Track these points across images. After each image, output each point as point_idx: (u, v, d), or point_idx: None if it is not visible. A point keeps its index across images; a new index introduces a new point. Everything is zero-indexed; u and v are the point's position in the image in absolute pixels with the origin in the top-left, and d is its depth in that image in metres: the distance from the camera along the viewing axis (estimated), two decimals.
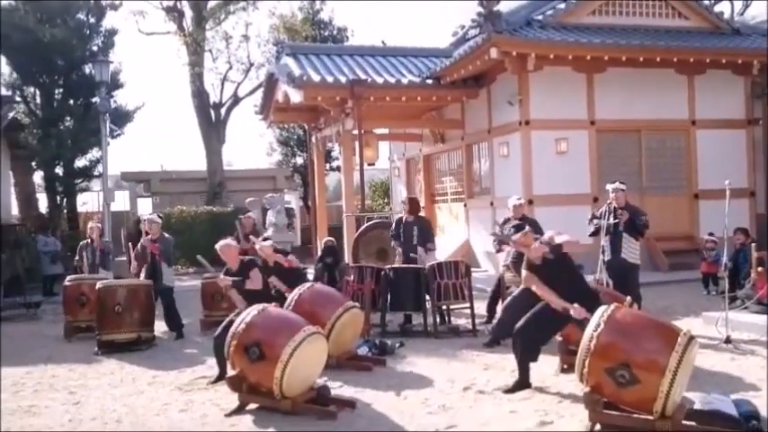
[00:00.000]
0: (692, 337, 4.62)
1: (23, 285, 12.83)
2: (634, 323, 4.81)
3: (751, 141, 14.34)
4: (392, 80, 14.36)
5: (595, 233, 8.37)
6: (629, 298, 6.17)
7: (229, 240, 7.32)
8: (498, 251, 9.38)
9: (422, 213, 10.89)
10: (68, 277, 10.13)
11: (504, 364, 6.79)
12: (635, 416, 4.67)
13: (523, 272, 5.93)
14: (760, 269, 8.59)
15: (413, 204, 9.87)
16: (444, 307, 8.97)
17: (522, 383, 5.86)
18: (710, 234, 11.40)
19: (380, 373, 6.78)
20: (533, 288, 5.87)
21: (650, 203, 12.54)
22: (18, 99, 19.88)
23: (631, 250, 8.07)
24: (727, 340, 7.30)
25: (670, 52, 13.19)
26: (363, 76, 14.15)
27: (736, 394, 5.05)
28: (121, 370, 7.46)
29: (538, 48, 12.53)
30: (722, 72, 13.97)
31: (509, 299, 7.69)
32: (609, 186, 8.30)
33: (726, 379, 6.03)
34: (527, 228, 6.33)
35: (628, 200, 8.39)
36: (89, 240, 10.64)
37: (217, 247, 7.05)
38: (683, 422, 4.57)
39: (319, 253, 10.95)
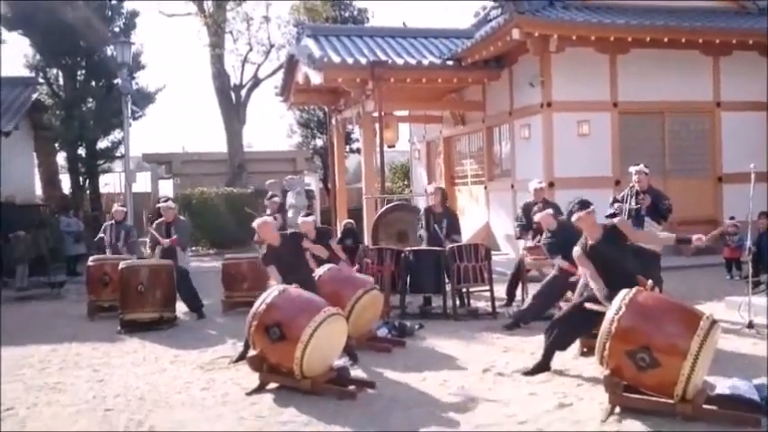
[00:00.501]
0: (714, 321, 4.59)
1: (47, 265, 13.02)
2: (656, 306, 4.79)
3: None
4: (413, 61, 14.29)
5: (613, 216, 8.29)
6: (650, 282, 6.12)
7: (266, 217, 7.35)
8: (518, 238, 9.36)
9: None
10: (91, 257, 10.26)
11: (524, 347, 6.80)
12: (655, 399, 4.66)
13: (577, 251, 5.81)
14: None
15: (443, 195, 9.74)
16: (464, 290, 8.98)
17: (543, 367, 5.86)
18: (732, 218, 11.28)
19: (400, 355, 6.81)
20: (583, 270, 5.74)
21: (673, 187, 12.38)
22: (41, 80, 20.04)
23: None
24: (750, 325, 7.23)
25: (695, 33, 12.98)
26: (384, 58, 14.08)
27: (757, 379, 5.00)
28: (144, 349, 7.56)
29: (560, 29, 12.38)
30: (748, 53, 13.72)
31: (541, 285, 7.65)
32: (632, 169, 8.21)
33: (748, 363, 5.98)
34: (591, 206, 5.85)
35: (651, 183, 8.30)
36: (113, 222, 10.74)
37: (254, 224, 7.08)
38: (704, 406, 4.55)
39: (339, 235, 10.98)
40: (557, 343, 5.80)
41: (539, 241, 8.39)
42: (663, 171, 13.31)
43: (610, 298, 5.19)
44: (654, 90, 13.31)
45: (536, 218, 8.01)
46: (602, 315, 5.42)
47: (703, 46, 13.39)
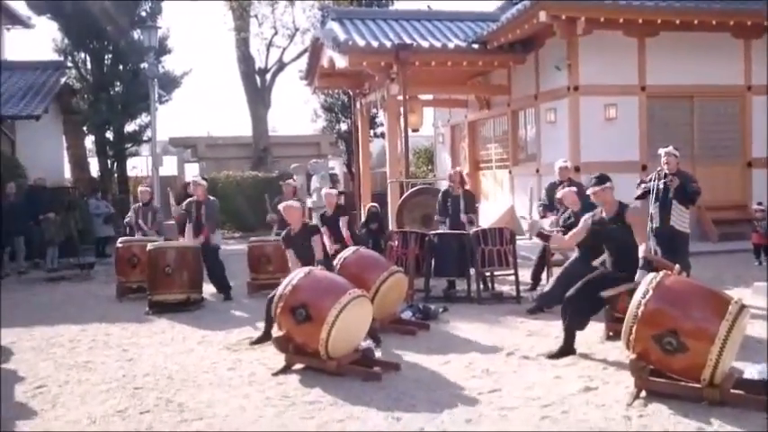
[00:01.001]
0: (743, 306, 4.54)
1: (77, 247, 13.22)
2: (683, 290, 4.75)
3: None
4: (438, 45, 14.22)
5: (642, 196, 8.21)
6: (677, 266, 6.06)
7: (292, 201, 7.42)
8: (543, 217, 9.30)
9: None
10: (120, 239, 10.40)
11: (549, 331, 6.78)
12: (682, 383, 4.64)
13: (586, 217, 5.79)
14: None
15: (461, 178, 9.78)
16: (487, 273, 8.97)
17: (566, 350, 5.85)
18: (759, 204, 11.13)
19: (424, 338, 6.84)
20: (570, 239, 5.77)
21: (701, 172, 12.17)
22: (69, 65, 20.25)
23: (681, 218, 7.89)
24: None
25: (726, 15, 12.75)
26: (409, 41, 14.01)
27: None
28: (172, 329, 7.67)
29: (588, 11, 12.22)
30: None
31: (560, 271, 7.62)
32: (661, 151, 8.10)
33: None
34: (608, 182, 5.82)
35: (679, 167, 8.20)
36: (140, 204, 10.87)
37: (280, 207, 7.22)
38: (732, 391, 4.52)
39: (363, 219, 11.01)
40: (573, 323, 5.82)
41: (562, 219, 8.31)
42: (691, 156, 13.13)
43: (612, 274, 5.45)
44: (683, 73, 13.11)
45: (559, 194, 7.95)
46: (613, 287, 5.50)
47: (734, 28, 13.15)
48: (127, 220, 11.13)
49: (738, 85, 13.64)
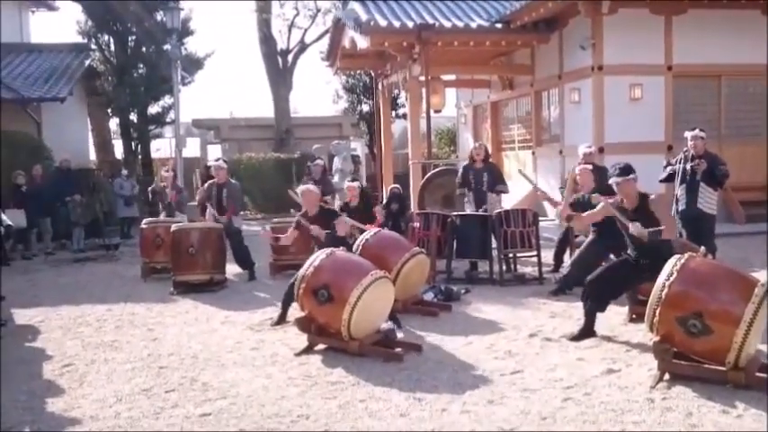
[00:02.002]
0: None
1: (103, 228, 13.39)
2: (709, 273, 4.69)
3: None
4: (460, 24, 14.07)
5: (667, 179, 8.11)
6: (703, 248, 5.99)
7: (310, 185, 7.43)
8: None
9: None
10: (145, 220, 10.51)
11: (572, 312, 6.75)
12: (706, 366, 4.60)
13: (609, 201, 5.74)
14: None
15: (485, 151, 9.75)
16: (510, 255, 8.94)
17: (587, 332, 5.84)
18: None
19: (446, 319, 6.85)
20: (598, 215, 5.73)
21: (729, 152, 12.01)
22: (93, 47, 20.39)
23: (708, 200, 7.80)
24: None
25: None
26: (431, 21, 13.88)
27: None
28: (195, 309, 7.76)
29: None
30: None
31: (576, 253, 7.59)
32: (687, 134, 7.99)
33: None
34: (632, 174, 5.71)
35: (707, 148, 8.08)
36: (164, 185, 10.97)
37: (299, 190, 7.23)
38: (757, 374, 4.47)
39: (385, 200, 11.01)
40: (593, 305, 5.80)
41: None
42: (718, 136, 12.93)
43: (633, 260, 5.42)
44: (710, 52, 12.85)
45: (576, 170, 7.85)
46: (636, 273, 5.43)
47: (765, 5, 12.86)
48: (152, 187, 11.29)
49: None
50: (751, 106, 13.54)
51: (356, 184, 8.91)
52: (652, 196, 5.69)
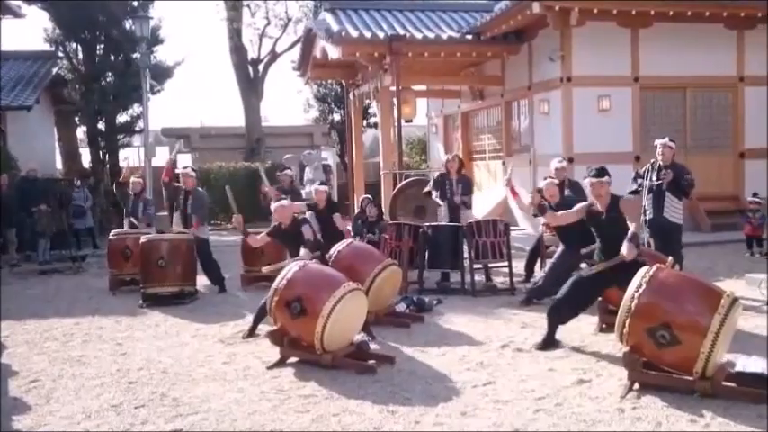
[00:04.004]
0: (735, 299, 4.57)
1: (69, 239, 13.16)
2: (676, 284, 4.77)
3: None
4: (431, 35, 14.19)
5: (635, 192, 8.23)
6: (670, 258, 6.10)
7: (284, 201, 7.32)
8: (536, 215, 9.29)
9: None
10: (113, 231, 10.36)
11: (543, 323, 6.73)
12: (675, 376, 4.67)
13: (581, 205, 5.82)
14: None
15: (459, 162, 9.81)
16: (478, 266, 8.94)
17: (551, 341, 5.95)
18: (755, 195, 11.17)
19: (419, 330, 6.85)
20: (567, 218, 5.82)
21: (694, 162, 12.18)
22: (61, 55, 20.11)
23: (674, 210, 7.93)
24: None
25: (720, 6, 12.77)
26: (402, 32, 13.98)
27: None
28: (165, 322, 7.66)
29: (581, 2, 12.21)
30: None
31: (549, 265, 7.64)
32: (657, 142, 8.12)
33: None
34: (606, 177, 5.79)
35: (674, 158, 8.21)
36: (133, 194, 10.82)
37: (273, 206, 7.15)
38: (724, 383, 4.55)
39: (356, 210, 11.00)
40: (558, 322, 5.94)
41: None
42: (684, 146, 13.17)
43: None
44: (676, 65, 13.14)
45: (542, 184, 7.93)
46: (601, 286, 5.57)
47: (727, 19, 13.19)
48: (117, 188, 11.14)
49: (731, 75, 13.67)
50: (716, 117, 13.84)
51: (324, 188, 8.86)
52: (624, 197, 5.80)
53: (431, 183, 9.79)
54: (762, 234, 10.58)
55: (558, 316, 5.90)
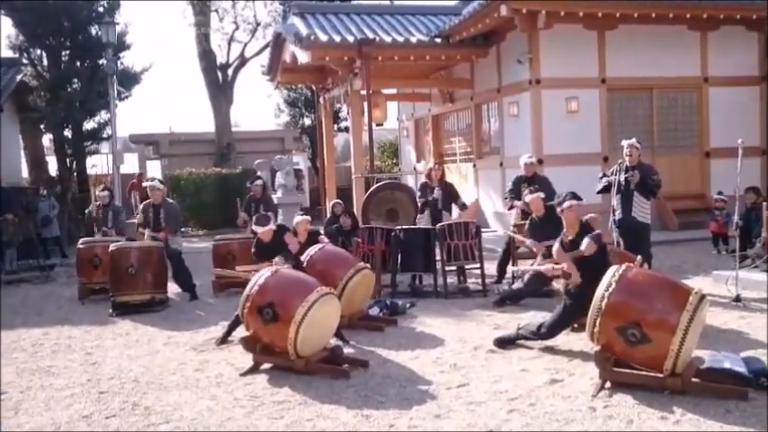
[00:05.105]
0: (703, 296, 4.64)
1: (37, 248, 12.95)
2: (645, 283, 4.84)
3: (764, 99, 14.16)
4: (400, 39, 14.23)
5: (604, 190, 8.33)
6: (639, 257, 6.18)
7: (269, 227, 7.13)
8: (511, 207, 9.37)
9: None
10: (81, 240, 10.22)
11: (515, 324, 6.83)
12: (645, 374, 4.73)
13: (556, 247, 5.83)
14: None
15: (443, 173, 9.91)
16: (451, 268, 8.94)
17: (511, 343, 6.06)
18: (719, 193, 11.37)
19: (392, 333, 6.85)
20: (562, 263, 5.79)
21: (661, 162, 12.45)
22: (25, 61, 19.79)
23: (642, 209, 8.04)
24: (737, 299, 7.33)
25: (683, 8, 13.00)
26: (371, 36, 14.01)
27: (745, 352, 5.09)
28: (136, 331, 7.57)
29: (548, 5, 12.33)
30: (736, 28, 13.78)
31: (530, 275, 7.55)
32: (624, 142, 8.22)
33: (735, 337, 6.08)
34: (579, 201, 5.85)
35: (641, 158, 8.33)
36: (99, 204, 10.67)
37: (256, 229, 7.04)
38: (693, 380, 4.62)
39: (329, 215, 10.97)
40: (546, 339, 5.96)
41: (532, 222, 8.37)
42: (651, 147, 13.36)
43: (577, 292, 5.48)
44: (642, 66, 13.33)
45: (527, 198, 7.99)
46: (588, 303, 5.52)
47: (691, 21, 13.42)
48: (88, 210, 10.97)
49: (696, 76, 13.91)
50: (682, 117, 14.06)
51: (306, 218, 8.32)
52: (587, 217, 5.85)
53: (420, 197, 9.80)
54: (727, 232, 10.77)
55: (549, 338, 5.91)
